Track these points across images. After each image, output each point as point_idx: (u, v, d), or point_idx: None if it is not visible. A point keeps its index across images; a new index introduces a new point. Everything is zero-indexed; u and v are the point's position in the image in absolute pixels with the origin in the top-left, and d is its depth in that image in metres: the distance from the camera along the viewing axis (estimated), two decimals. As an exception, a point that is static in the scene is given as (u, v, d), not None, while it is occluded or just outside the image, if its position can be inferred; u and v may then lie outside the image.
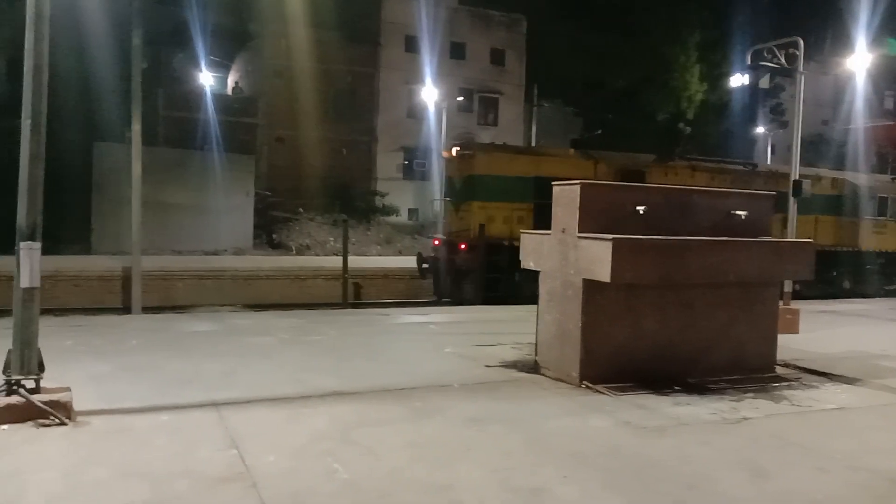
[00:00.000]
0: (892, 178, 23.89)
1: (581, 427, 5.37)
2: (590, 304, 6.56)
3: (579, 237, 6.57)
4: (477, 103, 39.06)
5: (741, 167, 20.57)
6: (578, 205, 6.62)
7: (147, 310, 15.97)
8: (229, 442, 4.71)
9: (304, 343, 8.88)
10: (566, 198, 6.85)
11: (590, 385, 6.49)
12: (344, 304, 17.61)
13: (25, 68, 5.29)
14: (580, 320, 6.57)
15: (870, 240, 21.06)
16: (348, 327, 10.40)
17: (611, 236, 6.18)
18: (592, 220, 6.61)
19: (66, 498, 3.74)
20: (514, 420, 5.47)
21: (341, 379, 6.74)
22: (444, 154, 18.80)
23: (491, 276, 16.60)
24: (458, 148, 17.98)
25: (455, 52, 37.67)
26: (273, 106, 33.54)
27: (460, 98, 37.43)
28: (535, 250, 7.39)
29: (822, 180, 20.57)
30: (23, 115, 5.27)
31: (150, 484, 3.94)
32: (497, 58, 39.39)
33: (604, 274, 6.17)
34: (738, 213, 7.41)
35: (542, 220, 16.95)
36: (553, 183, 7.20)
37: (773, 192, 8.33)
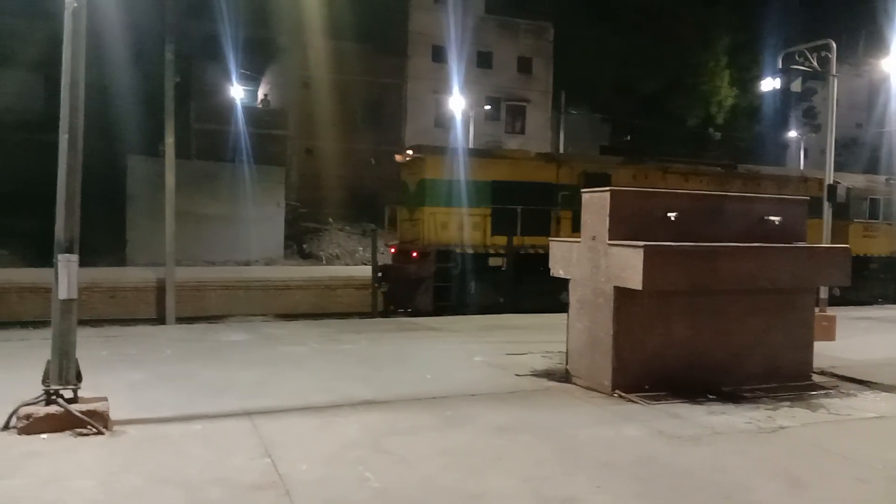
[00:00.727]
0: (887, 179, 22.36)
1: (613, 436, 5.32)
2: (621, 312, 6.50)
3: (610, 244, 6.52)
4: (504, 111, 39.08)
5: (718, 168, 19.72)
6: (608, 211, 6.57)
7: (181, 320, 16.22)
8: (263, 450, 4.75)
9: (335, 352, 8.93)
10: (596, 205, 6.81)
11: (622, 394, 6.43)
12: (373, 314, 17.67)
13: (62, 84, 5.41)
14: (612, 328, 6.52)
15: (859, 244, 19.18)
16: (378, 336, 10.44)
17: (642, 243, 6.13)
18: (623, 226, 6.56)
19: (104, 505, 3.80)
20: (545, 429, 5.44)
21: (372, 387, 6.76)
22: (398, 158, 17.86)
23: (441, 286, 15.97)
24: (411, 151, 17.19)
25: (482, 60, 37.76)
26: (302, 117, 33.89)
27: (487, 106, 37.47)
28: (564, 258, 7.36)
29: (807, 182, 19.55)
30: (60, 130, 5.40)
31: (184, 491, 3.99)
32: (524, 66, 39.39)
33: (635, 281, 6.12)
34: (772, 218, 7.30)
35: (500, 226, 16.41)
36: (583, 190, 7.17)
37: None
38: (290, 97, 35.27)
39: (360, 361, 8.27)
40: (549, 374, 7.47)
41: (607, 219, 6.58)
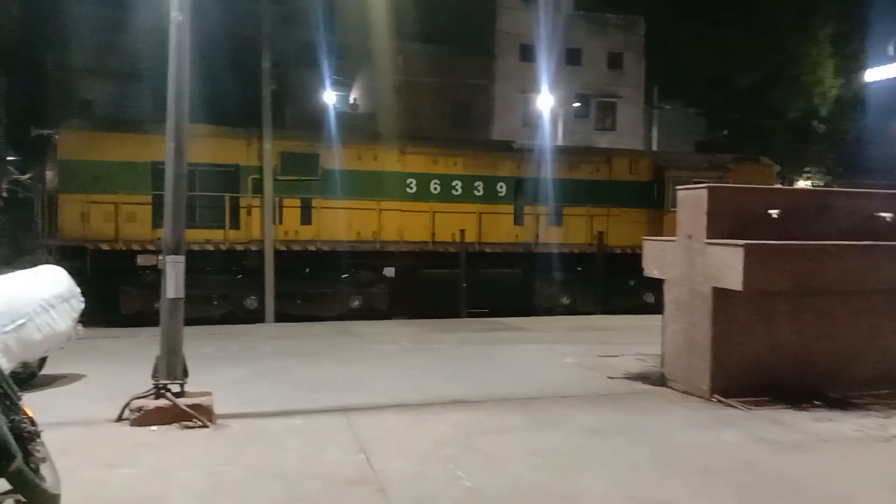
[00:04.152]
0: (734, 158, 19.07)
1: (711, 441, 5.15)
2: (720, 314, 6.28)
3: (707, 243, 6.32)
4: (594, 108, 38.44)
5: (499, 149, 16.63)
6: (706, 209, 6.37)
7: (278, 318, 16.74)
8: (357, 446, 4.86)
9: (424, 351, 9.05)
10: (692, 202, 6.61)
11: (721, 398, 6.21)
12: (461, 313, 17.69)
13: (168, 95, 5.71)
14: (710, 330, 6.30)
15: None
16: (467, 336, 10.50)
17: (742, 242, 5.91)
18: (721, 224, 6.34)
19: (209, 495, 3.98)
20: (639, 432, 5.32)
21: (462, 387, 6.81)
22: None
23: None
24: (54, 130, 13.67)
25: (571, 58, 37.24)
26: (391, 121, 34.46)
27: (577, 104, 36.97)
28: (658, 257, 7.18)
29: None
30: (166, 138, 5.70)
31: (284, 485, 4.13)
32: (614, 61, 38.61)
33: (735, 281, 5.90)
34: (883, 214, 6.87)
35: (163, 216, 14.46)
36: (677, 187, 6.97)
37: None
38: (379, 101, 35.92)
39: (450, 360, 8.34)
40: (643, 377, 7.31)
41: (704, 217, 6.37)
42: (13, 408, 3.61)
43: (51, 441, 3.91)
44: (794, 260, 6.12)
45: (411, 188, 14.81)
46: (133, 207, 13.13)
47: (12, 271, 6.48)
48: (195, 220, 13.24)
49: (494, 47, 37.29)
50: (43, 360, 6.73)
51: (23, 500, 3.60)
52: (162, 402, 5.32)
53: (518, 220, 15.51)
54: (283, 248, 13.82)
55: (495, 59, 37.17)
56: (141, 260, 13.01)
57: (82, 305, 6.63)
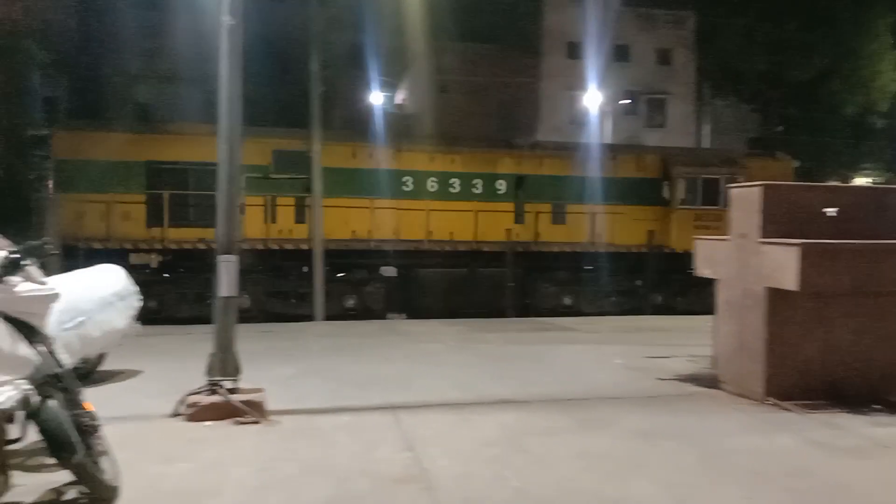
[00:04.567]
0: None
1: (765, 445, 5.03)
2: (774, 315, 6.13)
3: (761, 242, 6.18)
4: (643, 105, 37.92)
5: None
6: (760, 207, 6.22)
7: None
8: (405, 444, 4.90)
9: (470, 350, 9.06)
10: (745, 200, 6.47)
11: (775, 401, 6.07)
12: (506, 313, 17.65)
13: (220, 98, 5.83)
14: (763, 332, 6.16)
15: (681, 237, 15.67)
16: (513, 336, 10.47)
17: (798, 241, 5.76)
18: (775, 223, 6.19)
19: (261, 490, 4.07)
20: (689, 435, 5.24)
21: (508, 387, 6.80)
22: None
23: None
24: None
25: (619, 54, 36.78)
26: (438, 121, 34.55)
27: (625, 101, 36.50)
28: (710, 257, 7.05)
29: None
30: (218, 141, 5.83)
31: (334, 481, 4.19)
32: (664, 57, 38.03)
33: (790, 282, 5.76)
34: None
35: (158, 215, 13.12)
36: (729, 185, 6.84)
37: None
38: (425, 101, 36.05)
39: (496, 360, 8.33)
40: (694, 379, 7.18)
41: (758, 215, 6.23)
42: (74, 403, 3.74)
43: (110, 435, 4.04)
44: (852, 259, 5.94)
45: (407, 186, 14.67)
46: (127, 207, 13.27)
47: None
48: (189, 218, 13.50)
49: (541, 45, 37.07)
50: (102, 357, 6.96)
51: (85, 490, 3.74)
52: (215, 399, 5.45)
53: (518, 218, 15.25)
54: (275, 246, 13.88)
55: (542, 57, 36.97)
56: (133, 259, 13.04)
57: (139, 303, 6.83)
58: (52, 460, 3.54)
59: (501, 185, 15.21)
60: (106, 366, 7.12)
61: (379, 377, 7.19)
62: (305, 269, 13.96)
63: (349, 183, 14.21)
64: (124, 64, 27.22)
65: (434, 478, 4.25)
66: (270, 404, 5.60)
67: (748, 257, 6.34)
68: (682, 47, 38.09)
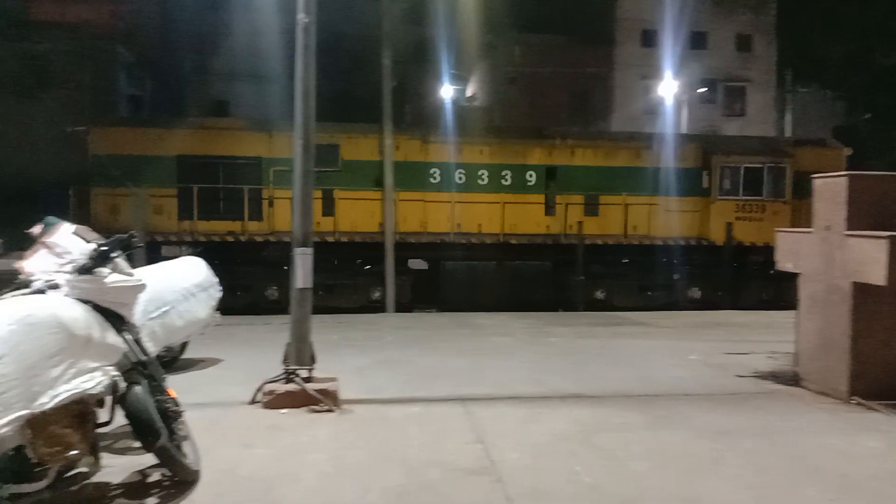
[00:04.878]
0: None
1: (850, 446, 4.82)
2: (860, 311, 5.86)
3: (847, 235, 5.91)
4: (721, 93, 36.74)
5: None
6: (846, 198, 5.95)
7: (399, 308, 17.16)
8: (475, 436, 4.92)
9: (541, 344, 9.00)
10: (830, 191, 6.20)
11: (861, 401, 5.80)
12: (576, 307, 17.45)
13: (295, 94, 5.97)
14: (849, 328, 5.89)
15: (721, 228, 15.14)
16: (585, 330, 10.35)
17: (886, 234, 5.48)
18: (862, 215, 5.91)
19: (334, 477, 4.16)
20: (769, 434, 5.06)
21: (579, 381, 6.73)
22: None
23: None
24: (81, 128, 14.24)
25: (696, 41, 35.74)
26: (508, 113, 34.37)
27: (702, 89, 35.44)
28: (792, 250, 6.78)
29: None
30: (294, 136, 5.97)
31: (405, 470, 4.24)
32: (743, 43, 36.73)
33: (878, 276, 5.49)
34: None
35: (189, 207, 13.37)
36: (813, 176, 6.56)
37: None
38: (497, 93, 35.92)
39: (567, 354, 8.26)
40: (774, 377, 6.94)
41: (844, 207, 5.96)
42: (159, 389, 3.91)
43: (191, 420, 4.21)
44: (948, 254, 5.61)
45: (435, 178, 14.51)
46: (159, 200, 13.64)
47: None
48: (220, 211, 13.75)
49: (615, 34, 36.39)
50: (184, 345, 7.23)
51: (167, 473, 3.91)
52: (291, 387, 5.60)
53: (549, 210, 14.90)
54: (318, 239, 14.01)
55: (615, 47, 36.29)
56: (165, 251, 13.24)
57: (220, 294, 7.06)
58: (137, 444, 3.72)
59: (532, 177, 14.98)
60: (188, 354, 7.41)
61: (450, 369, 7.23)
62: (359, 261, 14.29)
63: (374, 176, 14.23)
64: (198, 62, 28.18)
65: (504, 470, 4.25)
66: (343, 393, 5.72)
67: (833, 251, 6.08)
68: (762, 33, 36.71)
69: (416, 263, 14.78)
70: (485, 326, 10.63)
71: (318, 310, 12.63)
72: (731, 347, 8.52)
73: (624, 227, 14.88)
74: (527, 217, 14.74)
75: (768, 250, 15.05)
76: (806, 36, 32.35)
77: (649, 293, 15.05)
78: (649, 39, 35.16)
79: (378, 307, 13.86)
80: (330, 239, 13.92)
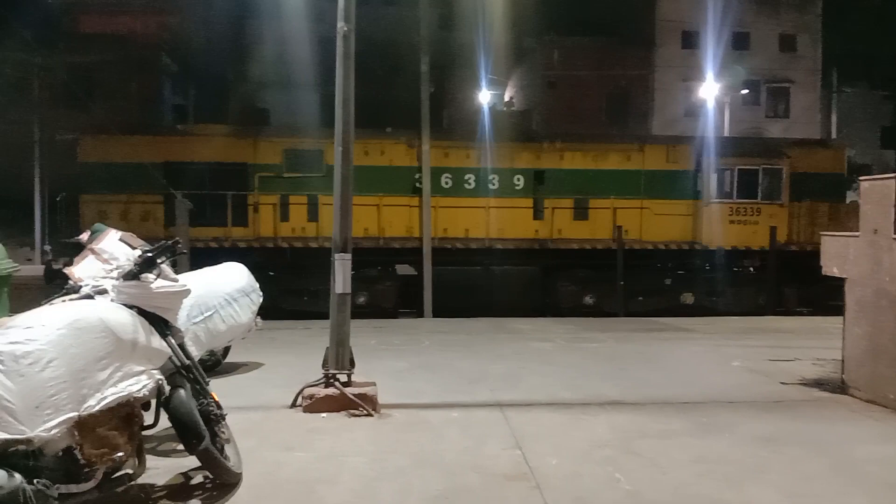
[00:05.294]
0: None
1: (901, 456, 4.69)
2: (910, 316, 5.70)
3: (895, 239, 5.75)
4: (764, 95, 36.04)
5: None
6: (894, 201, 5.79)
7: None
8: (514, 441, 4.90)
9: (581, 349, 8.93)
10: (877, 193, 6.04)
11: (912, 409, 5.64)
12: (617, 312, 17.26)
13: (336, 101, 6.04)
14: (898, 334, 5.74)
15: (714, 232, 14.74)
16: (625, 335, 10.23)
17: (937, 237, 5.32)
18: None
19: (374, 480, 4.18)
20: (815, 443, 4.94)
21: (619, 387, 6.66)
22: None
23: None
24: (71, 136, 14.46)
25: (738, 42, 35.14)
26: (547, 116, 34.24)
27: (745, 91, 34.83)
28: (838, 255, 6.62)
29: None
30: (335, 143, 6.03)
31: (444, 475, 4.25)
32: (787, 43, 35.97)
33: (928, 281, 5.33)
34: None
35: (174, 213, 13.03)
36: (860, 178, 6.39)
37: None
38: (535, 97, 35.81)
39: (607, 360, 8.18)
40: (820, 384, 6.78)
41: (892, 209, 5.80)
42: (202, 392, 3.98)
43: (233, 423, 4.28)
44: None
45: (421, 183, 14.29)
46: (147, 206, 13.78)
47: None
48: (205, 217, 13.66)
49: (654, 36, 36.01)
50: (227, 350, 7.36)
51: (210, 476, 3.97)
52: (331, 391, 5.65)
53: (538, 214, 14.62)
54: (284, 245, 13.95)
55: (655, 49, 35.90)
56: None
57: (261, 299, 7.17)
58: (181, 446, 3.80)
59: (519, 180, 14.71)
60: (231, 358, 7.53)
61: (488, 374, 7.22)
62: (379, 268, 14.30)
63: (360, 181, 14.21)
64: (239, 70, 28.69)
65: (543, 476, 4.23)
66: (382, 397, 5.75)
67: (881, 255, 5.92)
68: (807, 32, 35.94)
69: (404, 269, 14.74)
70: (523, 331, 10.59)
71: (306, 315, 12.91)
72: (775, 354, 8.35)
73: (613, 232, 14.60)
74: (514, 221, 14.54)
75: (763, 254, 14.91)
76: (853, 34, 31.61)
77: (640, 298, 14.73)
78: (690, 41, 34.70)
79: (364, 313, 13.62)
80: (313, 245, 13.86)
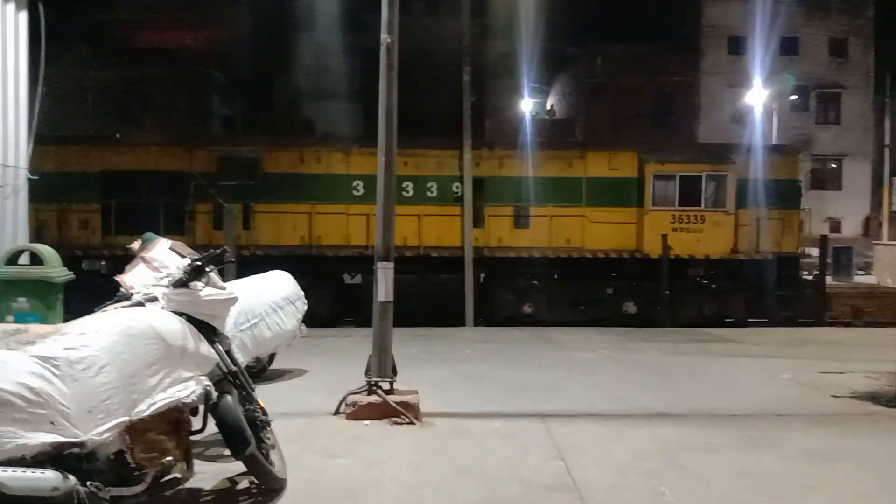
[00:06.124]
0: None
1: (959, 474, 4.52)
2: (969, 329, 5.50)
3: (952, 249, 5.57)
4: (814, 101, 35.22)
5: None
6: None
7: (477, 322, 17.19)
8: (556, 453, 4.87)
9: (624, 360, 8.83)
10: (932, 203, 5.86)
11: (971, 425, 5.43)
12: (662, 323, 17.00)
13: (379, 112, 6.11)
14: (956, 347, 5.54)
15: (655, 241, 14.20)
16: (670, 346, 10.08)
17: None
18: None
19: (415, 489, 4.20)
20: (868, 458, 4.81)
21: (664, 400, 6.56)
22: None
23: None
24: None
25: (786, 47, 34.44)
26: (590, 124, 34.00)
27: (794, 97, 34.10)
28: (891, 264, 6.43)
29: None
30: (378, 153, 6.11)
31: (485, 485, 4.25)
32: (837, 48, 35.11)
33: None
34: None
35: (112, 222, 13.23)
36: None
37: None
38: (577, 105, 35.63)
39: (651, 372, 8.07)
40: (873, 398, 6.58)
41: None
42: (248, 399, 4.06)
43: (278, 430, 4.35)
44: None
45: (358, 191, 14.13)
46: (85, 215, 13.87)
47: None
48: (139, 226, 13.57)
49: (700, 42, 35.55)
50: (272, 357, 7.47)
51: (255, 481, 4.04)
52: (374, 399, 5.69)
53: (478, 222, 14.28)
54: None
55: (701, 55, 35.43)
56: (85, 265, 13.32)
57: (305, 307, 7.27)
58: (227, 451, 3.87)
59: (458, 188, 14.40)
60: (276, 365, 7.64)
61: (530, 384, 7.19)
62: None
63: (292, 188, 14.11)
64: (286, 83, 29.19)
65: (586, 488, 4.19)
66: (424, 406, 5.77)
67: (939, 265, 5.73)
68: (858, 36, 35.06)
69: (349, 278, 14.68)
70: (565, 341, 10.51)
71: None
72: (825, 366, 8.13)
73: (551, 240, 14.32)
74: (453, 230, 14.30)
75: (708, 263, 14.48)
76: (907, 38, 30.74)
77: (581, 308, 14.44)
78: (736, 46, 34.18)
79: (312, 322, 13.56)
80: (245, 253, 13.60)
